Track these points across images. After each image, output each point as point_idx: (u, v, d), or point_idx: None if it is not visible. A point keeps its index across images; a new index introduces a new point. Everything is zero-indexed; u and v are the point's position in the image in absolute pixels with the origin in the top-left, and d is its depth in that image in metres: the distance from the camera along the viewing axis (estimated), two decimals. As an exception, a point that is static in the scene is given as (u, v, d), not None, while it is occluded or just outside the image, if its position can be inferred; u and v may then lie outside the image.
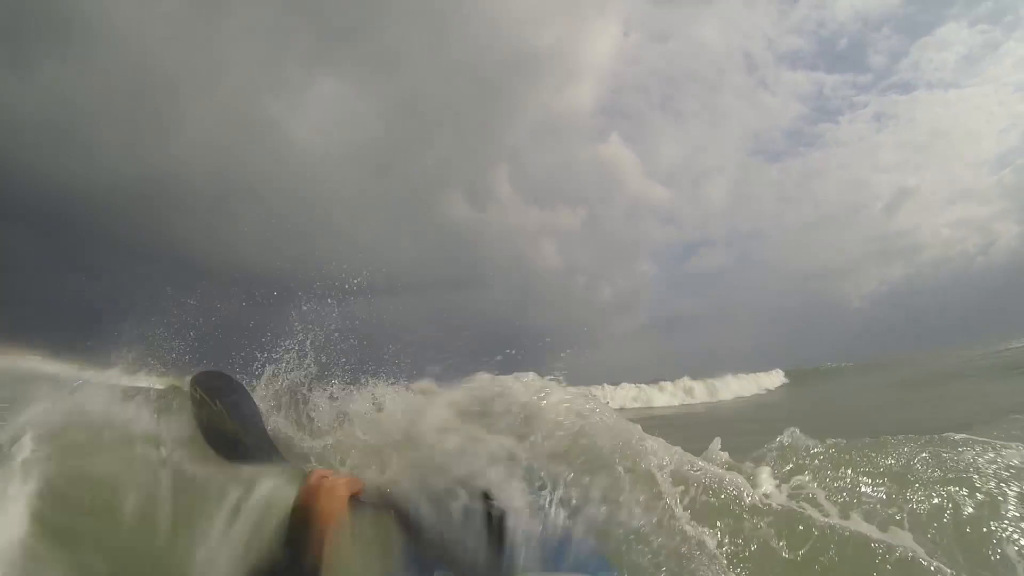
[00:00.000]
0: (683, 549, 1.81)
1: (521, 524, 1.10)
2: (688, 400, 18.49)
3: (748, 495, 2.13)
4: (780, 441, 2.66)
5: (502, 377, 2.45)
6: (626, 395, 17.52)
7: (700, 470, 2.22)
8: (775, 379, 22.16)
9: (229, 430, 1.62)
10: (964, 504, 2.13)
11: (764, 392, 19.94)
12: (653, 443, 2.27)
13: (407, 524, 1.20)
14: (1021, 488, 2.13)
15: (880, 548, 1.87)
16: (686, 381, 19.71)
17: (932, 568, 1.78)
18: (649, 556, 1.76)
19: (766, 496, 2.20)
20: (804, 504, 2.17)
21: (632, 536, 1.79)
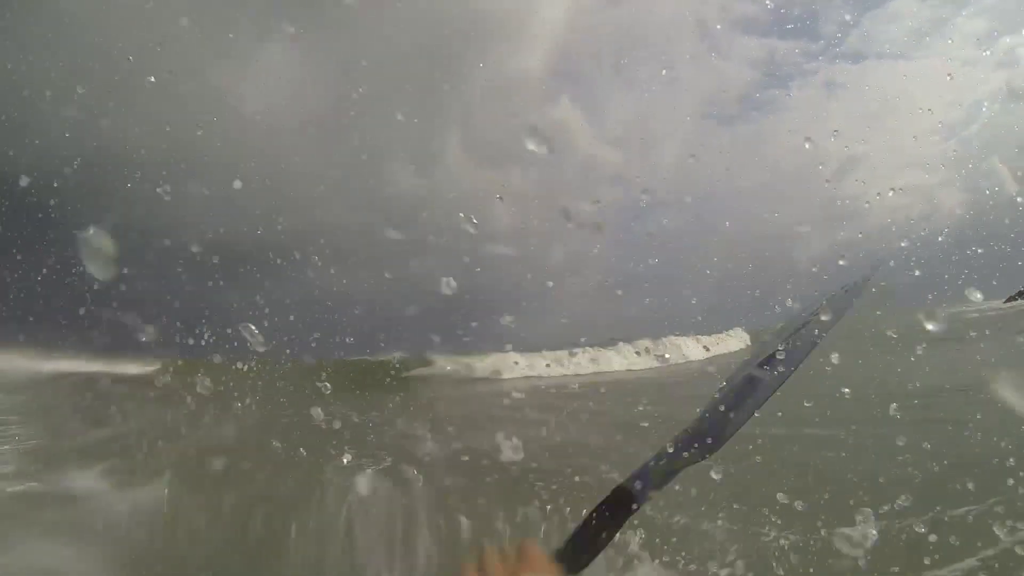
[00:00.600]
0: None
1: None
2: (650, 363, 18.75)
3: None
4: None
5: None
6: (583, 358, 17.75)
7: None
8: (738, 340, 22.60)
9: None
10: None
11: (728, 353, 20.15)
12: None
13: None
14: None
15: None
16: (645, 342, 19.87)
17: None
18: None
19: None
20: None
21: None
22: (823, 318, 1.23)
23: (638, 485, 0.77)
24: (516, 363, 15.59)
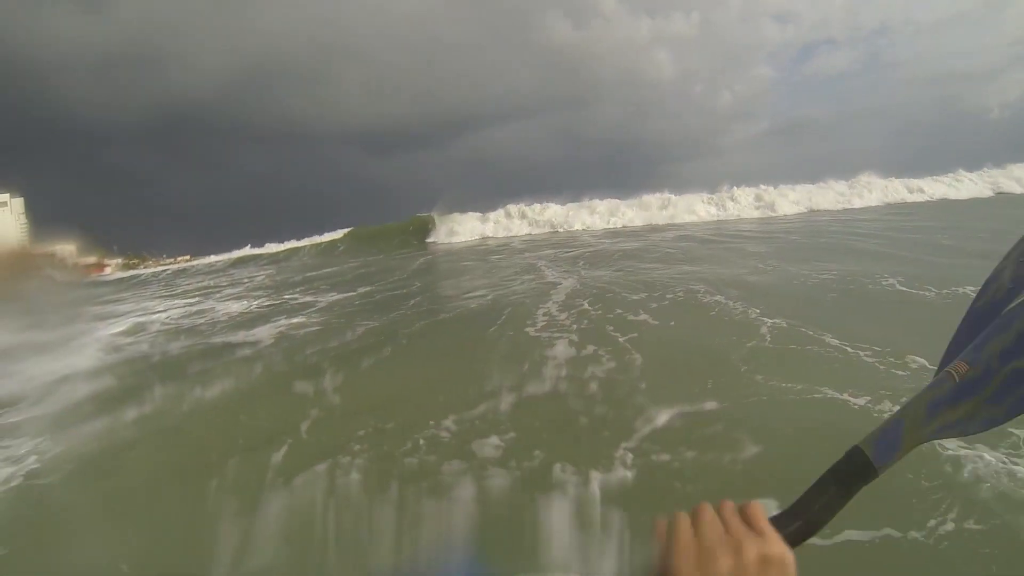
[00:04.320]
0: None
1: None
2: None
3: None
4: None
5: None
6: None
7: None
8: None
9: None
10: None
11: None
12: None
13: None
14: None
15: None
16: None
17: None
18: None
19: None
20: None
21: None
22: None
23: (881, 446, 0.59)
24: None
